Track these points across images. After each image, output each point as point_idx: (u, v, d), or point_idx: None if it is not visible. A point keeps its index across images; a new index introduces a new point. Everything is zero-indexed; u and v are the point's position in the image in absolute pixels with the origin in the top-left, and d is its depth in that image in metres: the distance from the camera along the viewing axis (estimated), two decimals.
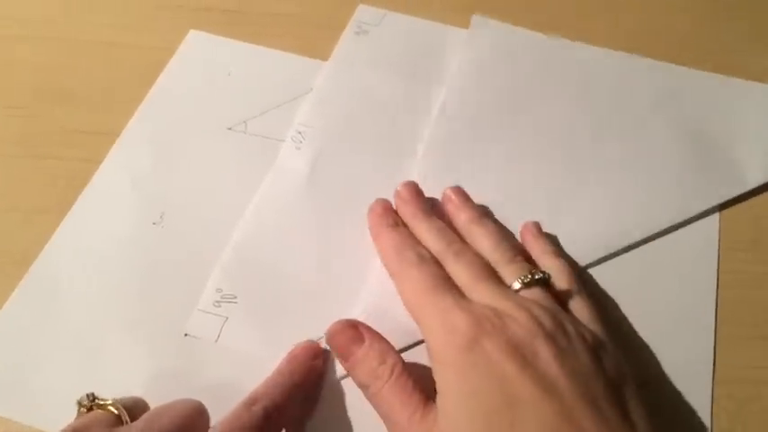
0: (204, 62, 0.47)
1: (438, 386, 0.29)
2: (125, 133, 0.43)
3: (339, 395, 0.34)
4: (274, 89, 0.45)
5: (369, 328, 0.33)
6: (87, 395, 0.29)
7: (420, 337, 0.33)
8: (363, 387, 0.32)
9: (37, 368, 0.35)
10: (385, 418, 0.31)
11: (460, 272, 0.33)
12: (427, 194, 0.38)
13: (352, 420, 0.34)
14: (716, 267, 0.38)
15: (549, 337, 0.29)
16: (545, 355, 0.28)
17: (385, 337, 0.33)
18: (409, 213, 0.37)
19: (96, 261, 0.38)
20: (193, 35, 0.48)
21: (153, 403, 0.33)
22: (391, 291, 0.34)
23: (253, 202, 0.40)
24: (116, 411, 0.28)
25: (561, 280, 0.34)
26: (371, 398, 0.32)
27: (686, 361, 0.35)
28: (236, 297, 0.37)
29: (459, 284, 0.32)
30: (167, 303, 0.37)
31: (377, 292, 0.36)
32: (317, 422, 0.34)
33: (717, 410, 0.34)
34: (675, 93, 0.45)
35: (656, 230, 0.39)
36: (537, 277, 0.33)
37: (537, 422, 0.27)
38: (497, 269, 0.34)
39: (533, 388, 0.27)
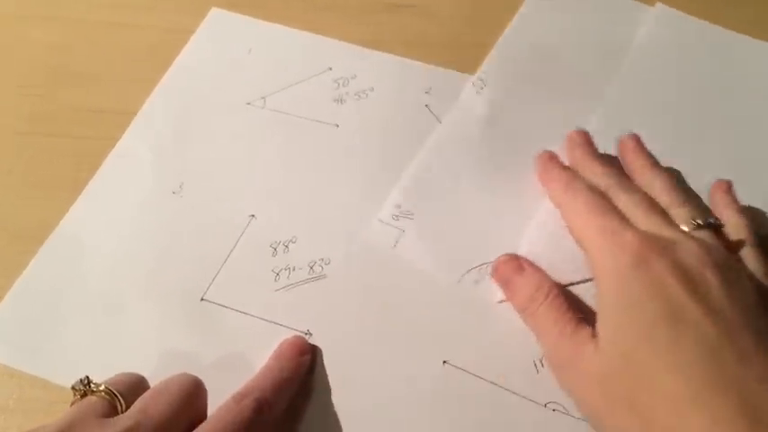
0: (225, 39, 0.47)
1: (600, 298, 0.31)
2: (146, 106, 0.44)
3: (329, 392, 0.35)
4: (293, 67, 0.46)
5: (529, 262, 0.36)
6: (81, 380, 0.29)
7: (585, 275, 0.35)
8: (521, 311, 0.34)
9: (58, 327, 0.36)
10: (538, 335, 0.33)
11: (630, 205, 0.34)
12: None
13: (345, 417, 0.34)
14: None
15: (718, 267, 0.29)
16: (713, 282, 0.29)
17: (549, 271, 0.35)
18: (580, 155, 0.38)
19: (116, 227, 0.39)
20: (215, 13, 0.49)
21: (165, 362, 0.35)
22: (557, 228, 0.36)
23: (433, 134, 0.43)
24: (109, 397, 0.28)
25: (738, 233, 0.34)
26: (528, 319, 0.34)
27: None
28: (412, 214, 0.40)
29: (627, 216, 0.33)
30: (184, 269, 0.38)
31: (543, 227, 0.38)
32: (308, 418, 0.34)
33: None
34: None
35: None
36: (709, 221, 0.33)
37: (700, 341, 0.27)
38: (668, 211, 0.34)
39: (698, 309, 0.28)
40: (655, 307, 0.28)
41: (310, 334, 0.36)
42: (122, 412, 0.28)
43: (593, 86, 0.45)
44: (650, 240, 0.30)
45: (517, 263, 0.35)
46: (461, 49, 0.47)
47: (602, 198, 0.34)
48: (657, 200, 0.34)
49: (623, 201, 0.34)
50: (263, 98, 0.45)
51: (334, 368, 0.35)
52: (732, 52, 0.47)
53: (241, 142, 0.43)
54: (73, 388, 0.29)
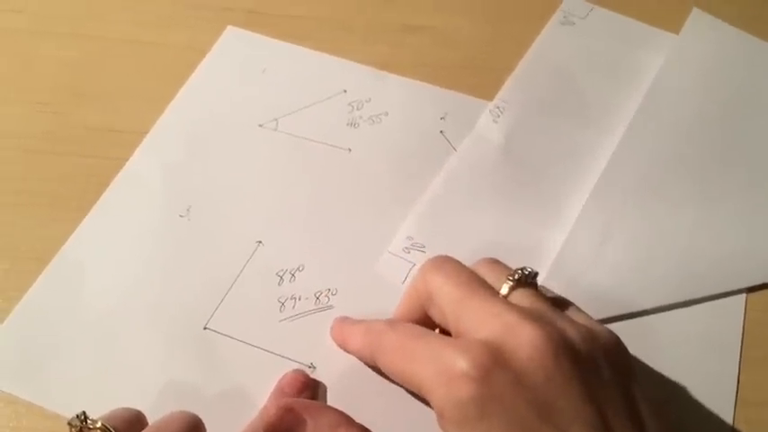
0: (239, 58, 0.47)
1: None
2: (157, 126, 0.43)
3: None
4: (307, 88, 0.45)
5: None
6: (78, 415, 0.28)
7: (624, 308, 0.34)
8: None
9: (58, 354, 0.35)
10: None
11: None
12: (618, 191, 0.40)
13: None
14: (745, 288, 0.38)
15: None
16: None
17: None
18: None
19: (120, 250, 0.39)
20: (230, 31, 0.48)
21: (165, 393, 0.34)
22: (580, 260, 0.37)
23: (448, 163, 0.42)
24: None
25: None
26: None
27: (709, 381, 0.35)
28: (424, 246, 0.39)
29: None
30: (188, 296, 0.37)
31: (561, 261, 0.38)
32: None
33: None
34: None
35: None
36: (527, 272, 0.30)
37: None
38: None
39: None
40: None
41: (314, 367, 0.35)
42: None
43: (614, 115, 0.44)
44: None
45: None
46: (479, 74, 0.46)
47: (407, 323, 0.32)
48: None
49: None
50: (275, 120, 0.44)
51: (338, 404, 0.33)
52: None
53: (251, 165, 0.42)
54: (69, 424, 0.28)
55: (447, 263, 0.31)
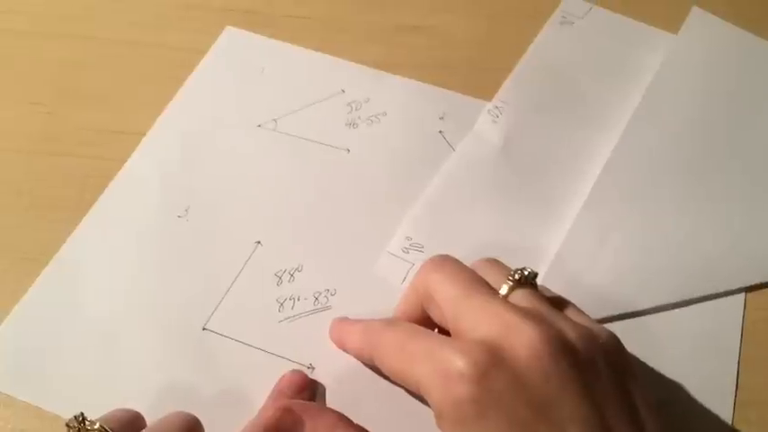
0: (238, 58, 0.47)
1: None
2: (155, 127, 0.43)
3: None
4: (306, 89, 0.45)
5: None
6: (76, 417, 0.28)
7: (623, 308, 0.34)
8: None
9: (56, 355, 0.35)
10: None
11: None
12: (617, 191, 0.41)
13: None
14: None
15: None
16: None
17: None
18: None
19: (118, 251, 0.39)
20: (228, 32, 0.48)
21: (163, 394, 0.34)
22: (579, 259, 0.37)
23: (446, 163, 0.42)
24: None
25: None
26: None
27: (708, 381, 0.35)
28: (423, 247, 0.39)
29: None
30: (186, 296, 0.37)
31: (561, 261, 0.38)
32: None
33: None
34: None
35: None
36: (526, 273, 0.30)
37: None
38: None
39: None
40: None
41: (313, 368, 0.35)
42: None
43: (613, 115, 0.44)
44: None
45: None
46: (477, 74, 0.46)
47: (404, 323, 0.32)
48: None
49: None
50: (274, 120, 0.44)
51: (337, 405, 0.33)
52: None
53: (250, 166, 0.42)
54: (67, 425, 0.28)
55: (447, 262, 0.31)
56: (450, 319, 0.29)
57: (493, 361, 0.26)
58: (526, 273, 0.30)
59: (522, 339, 0.26)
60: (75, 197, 0.41)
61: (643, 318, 0.36)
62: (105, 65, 0.47)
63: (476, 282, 0.30)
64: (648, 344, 0.35)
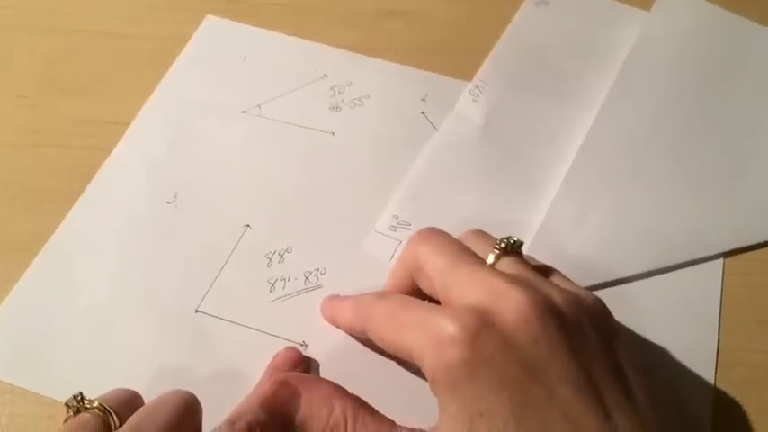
0: (219, 47, 0.47)
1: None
2: (140, 116, 0.44)
3: None
4: (288, 74, 0.46)
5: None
6: (74, 396, 0.28)
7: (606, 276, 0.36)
8: None
9: (51, 341, 0.36)
10: None
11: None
12: (596, 165, 0.41)
13: None
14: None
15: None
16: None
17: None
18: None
19: (109, 238, 0.39)
20: (209, 20, 0.48)
21: (159, 375, 0.34)
22: (562, 230, 0.38)
23: (430, 143, 0.43)
24: (102, 414, 0.28)
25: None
26: None
27: (690, 344, 0.36)
28: (410, 224, 0.40)
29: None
30: (178, 280, 0.38)
31: (544, 233, 0.39)
32: None
33: (717, 394, 0.35)
34: None
35: None
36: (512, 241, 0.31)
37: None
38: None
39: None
40: None
41: (306, 345, 0.35)
42: (116, 429, 0.27)
43: (590, 91, 0.45)
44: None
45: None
46: (457, 56, 0.47)
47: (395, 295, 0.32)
48: None
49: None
50: (258, 106, 0.44)
51: (331, 380, 0.34)
52: (743, 40, 0.47)
53: (236, 151, 0.43)
54: (66, 404, 0.29)
55: (435, 234, 0.32)
56: (440, 288, 0.30)
57: (483, 325, 0.27)
58: (512, 241, 0.31)
59: (511, 304, 0.27)
60: (63, 188, 0.41)
61: (625, 285, 0.37)
62: (88, 57, 0.47)
63: (463, 251, 0.31)
64: (632, 311, 0.36)
